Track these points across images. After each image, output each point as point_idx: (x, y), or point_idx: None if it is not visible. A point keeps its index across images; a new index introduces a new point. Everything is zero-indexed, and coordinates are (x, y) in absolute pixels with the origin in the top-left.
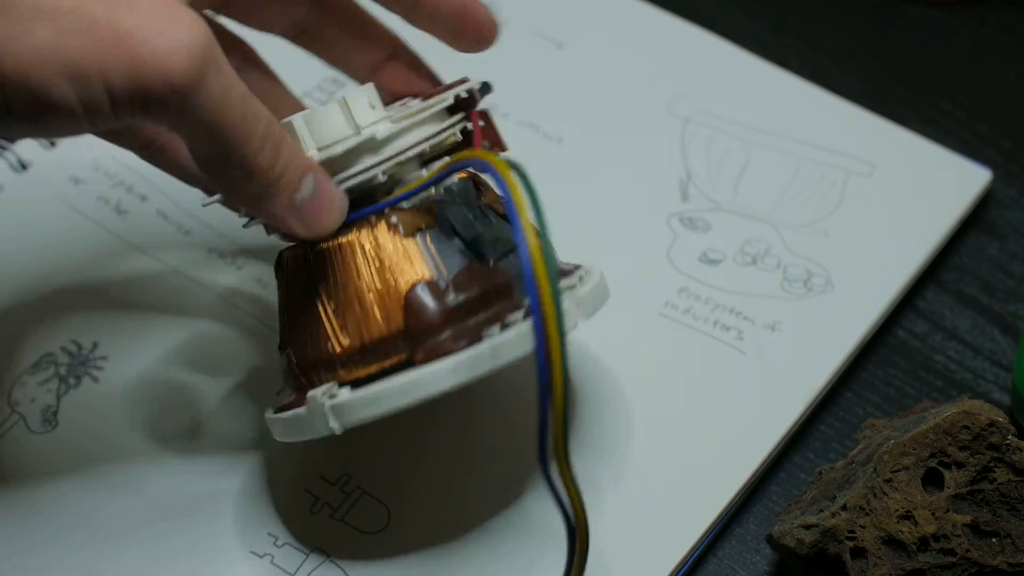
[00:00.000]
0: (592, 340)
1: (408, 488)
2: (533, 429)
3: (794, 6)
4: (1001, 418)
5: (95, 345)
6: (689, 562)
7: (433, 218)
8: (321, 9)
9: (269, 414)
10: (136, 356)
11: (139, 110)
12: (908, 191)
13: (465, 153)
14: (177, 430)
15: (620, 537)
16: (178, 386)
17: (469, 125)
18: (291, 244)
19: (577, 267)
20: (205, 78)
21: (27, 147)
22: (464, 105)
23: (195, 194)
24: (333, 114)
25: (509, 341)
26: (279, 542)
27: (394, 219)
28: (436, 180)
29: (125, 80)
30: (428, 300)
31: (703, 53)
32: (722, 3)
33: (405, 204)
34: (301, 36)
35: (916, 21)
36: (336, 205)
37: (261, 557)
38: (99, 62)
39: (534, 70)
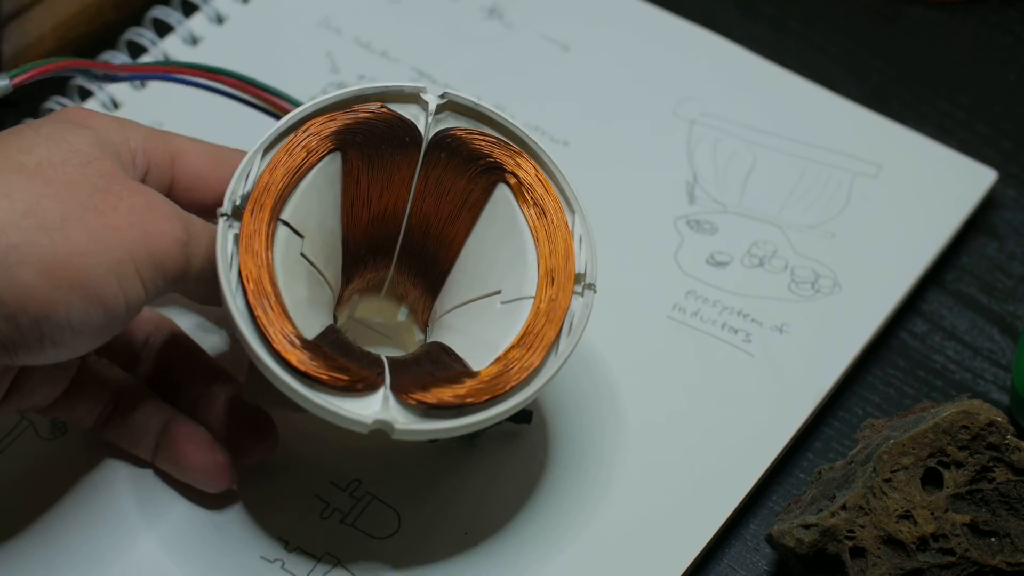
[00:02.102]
0: (601, 343)
1: (418, 493)
2: (540, 434)
3: (794, 6)
4: (1000, 418)
5: None
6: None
7: None
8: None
9: (324, 398)
10: None
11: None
12: (914, 192)
13: None
14: None
15: (629, 540)
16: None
17: None
18: None
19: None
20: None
21: None
22: None
23: None
24: None
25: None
26: (289, 547)
27: None
28: None
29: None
30: None
31: (709, 55)
32: (722, 3)
33: None
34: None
35: (916, 21)
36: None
37: (272, 562)
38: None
39: (540, 73)
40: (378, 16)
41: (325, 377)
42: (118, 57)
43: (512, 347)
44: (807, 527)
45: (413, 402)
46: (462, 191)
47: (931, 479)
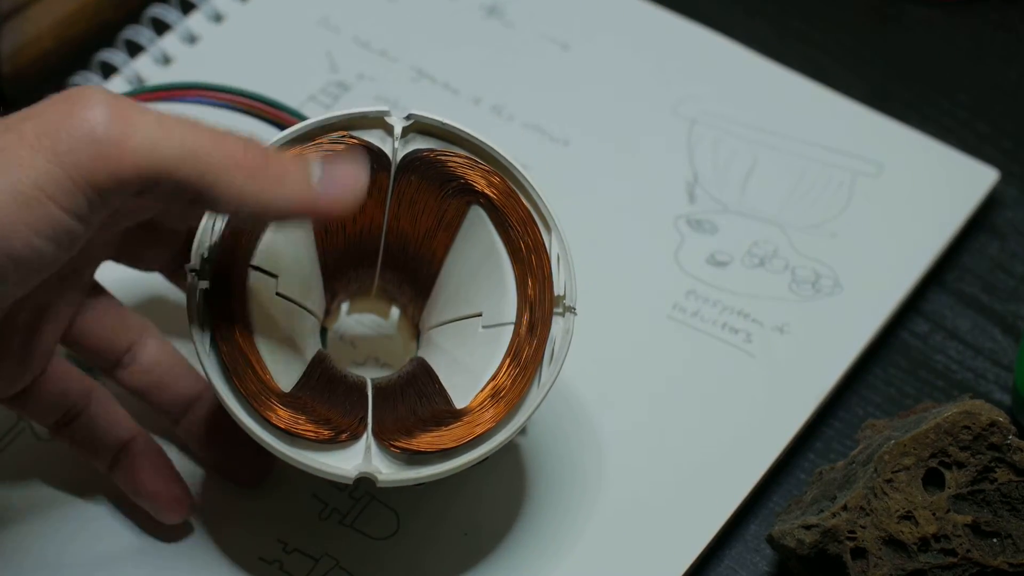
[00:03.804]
0: (600, 343)
1: (418, 494)
2: (540, 434)
3: (794, 5)
4: (1002, 418)
5: None
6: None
7: None
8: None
9: (300, 454)
10: None
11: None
12: (915, 191)
13: None
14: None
15: (629, 540)
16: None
17: None
18: None
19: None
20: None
21: None
22: None
23: None
24: None
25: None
26: (288, 548)
27: None
28: None
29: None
30: None
31: (709, 54)
32: (722, 2)
33: None
34: (175, 275)
35: (916, 20)
36: (352, 168)
37: (270, 563)
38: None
39: (540, 72)
40: (377, 15)
41: (307, 433)
42: (117, 56)
43: (493, 379)
44: (808, 528)
45: (397, 450)
46: (436, 211)
47: (932, 479)
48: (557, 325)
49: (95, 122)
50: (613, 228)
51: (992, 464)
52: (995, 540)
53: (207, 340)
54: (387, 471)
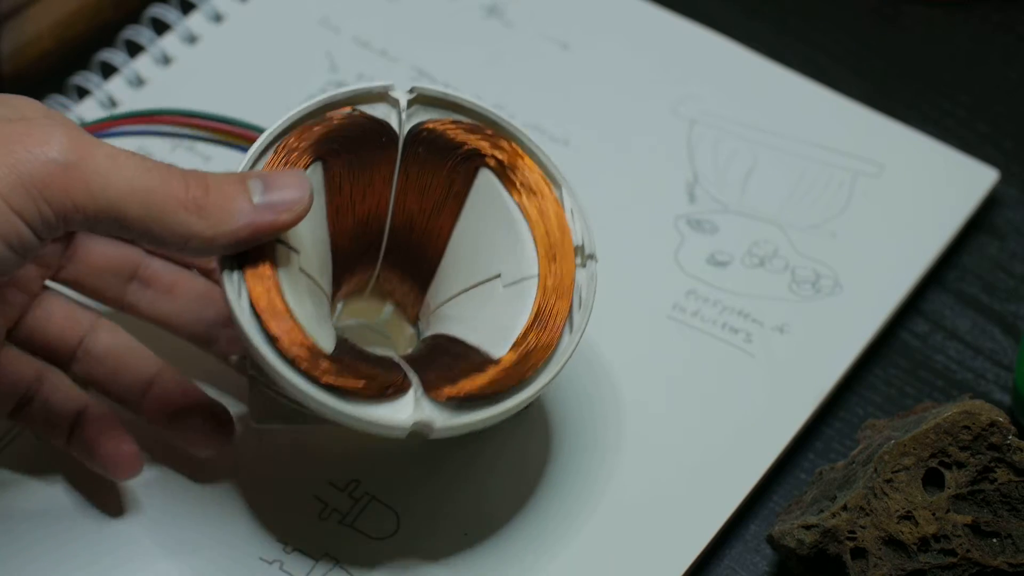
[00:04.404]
0: (600, 343)
1: (417, 494)
2: (541, 435)
3: (794, 5)
4: (1002, 418)
5: None
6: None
7: None
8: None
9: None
10: None
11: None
12: (916, 191)
13: None
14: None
15: (629, 540)
16: None
17: None
18: None
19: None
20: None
21: None
22: None
23: None
24: None
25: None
26: (288, 548)
27: None
28: None
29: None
30: None
31: (709, 54)
32: (722, 2)
33: None
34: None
35: (916, 20)
36: (296, 176)
37: (270, 563)
38: None
39: (540, 72)
40: (377, 15)
41: (357, 387)
42: (117, 56)
43: (528, 328)
44: (808, 528)
45: (444, 398)
46: (444, 182)
47: (932, 479)
48: (580, 274)
49: (53, 145)
50: (613, 228)
51: (992, 464)
52: (995, 540)
53: (247, 307)
54: (440, 419)
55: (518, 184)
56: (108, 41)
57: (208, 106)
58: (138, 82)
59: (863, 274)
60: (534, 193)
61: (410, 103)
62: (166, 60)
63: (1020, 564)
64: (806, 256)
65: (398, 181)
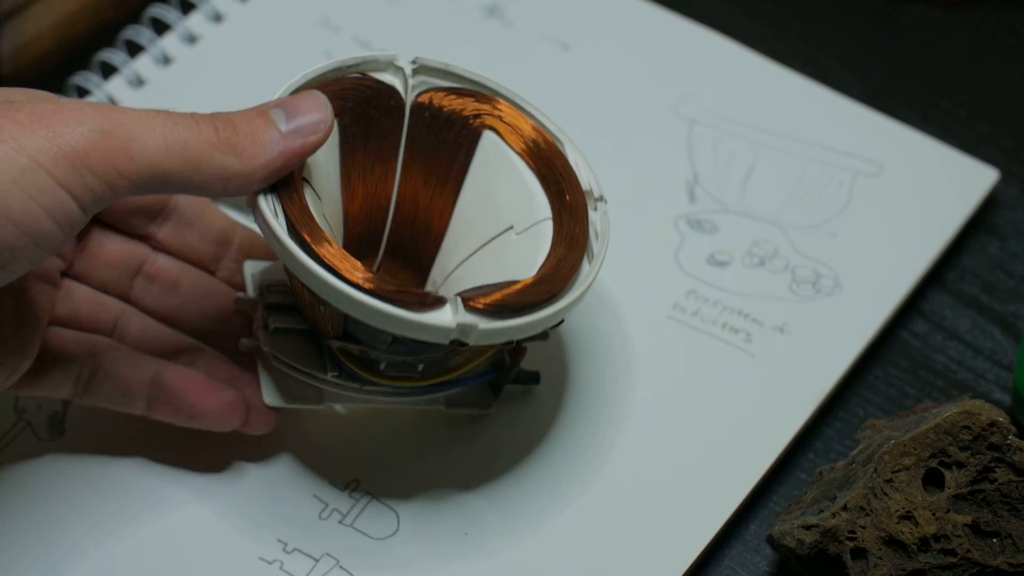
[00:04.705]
0: (600, 343)
1: (418, 494)
2: (541, 434)
3: (794, 5)
4: (1002, 418)
5: None
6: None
7: None
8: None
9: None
10: None
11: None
12: (916, 191)
13: None
14: (184, 436)
15: (629, 540)
16: None
17: None
18: None
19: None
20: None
21: None
22: None
23: None
24: None
25: None
26: (288, 548)
27: None
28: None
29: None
30: None
31: (709, 54)
32: (722, 2)
33: None
34: None
35: (916, 20)
36: (316, 98)
37: (270, 563)
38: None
39: (540, 72)
40: (377, 15)
41: (400, 294)
42: (117, 56)
43: (551, 252)
44: (808, 528)
45: (481, 306)
46: (450, 146)
47: (932, 479)
48: (593, 214)
49: (86, 117)
50: (613, 228)
51: (992, 464)
52: (995, 540)
53: (285, 228)
54: (482, 323)
55: (522, 141)
56: (108, 41)
57: (208, 107)
58: (138, 82)
59: (863, 274)
60: (538, 147)
61: (414, 72)
62: (166, 60)
63: (1020, 564)
64: (806, 256)
65: (404, 152)
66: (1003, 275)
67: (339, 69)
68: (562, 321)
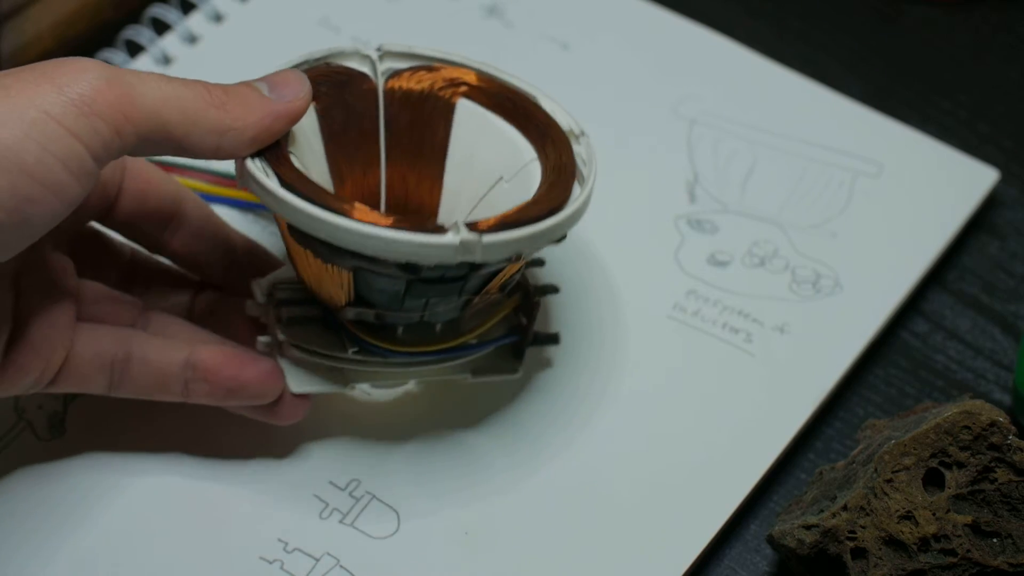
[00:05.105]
0: (602, 343)
1: (418, 493)
2: (541, 434)
3: (794, 5)
4: (1002, 418)
5: None
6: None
7: None
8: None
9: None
10: None
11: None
12: (916, 191)
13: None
14: (185, 436)
15: (630, 540)
16: None
17: None
18: None
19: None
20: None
21: None
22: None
23: None
24: None
25: None
26: (288, 548)
27: None
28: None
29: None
30: None
31: (709, 54)
32: (722, 2)
33: None
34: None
35: (916, 20)
36: (293, 72)
37: (271, 563)
38: None
39: (540, 72)
40: (377, 15)
41: (405, 221)
42: (116, 56)
43: (543, 181)
44: (808, 528)
45: (484, 227)
46: (427, 121)
47: (932, 479)
48: (576, 148)
49: (90, 68)
50: (613, 228)
51: (992, 464)
52: (995, 540)
53: (278, 184)
54: (487, 237)
55: (495, 100)
56: (108, 41)
57: None
58: None
59: (863, 274)
60: (513, 103)
61: (381, 58)
62: (166, 60)
63: (1020, 564)
64: (806, 256)
65: (385, 136)
66: (1003, 275)
67: (307, 61)
68: (564, 237)
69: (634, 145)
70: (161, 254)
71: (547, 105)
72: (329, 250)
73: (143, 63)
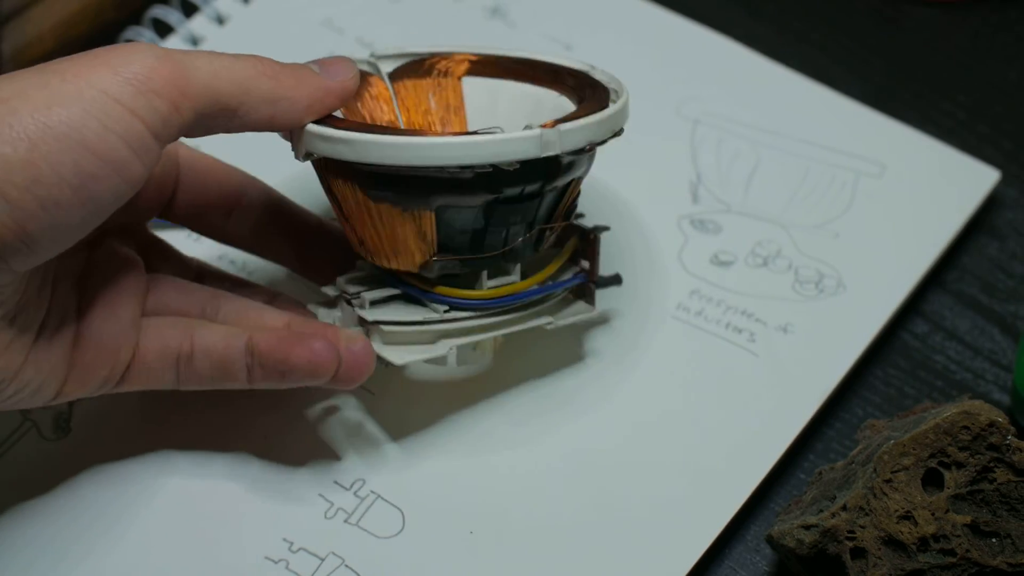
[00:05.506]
0: (604, 343)
1: (423, 492)
2: (544, 434)
3: (795, 6)
4: (1001, 418)
5: None
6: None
7: None
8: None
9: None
10: None
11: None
12: (918, 191)
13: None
14: (190, 436)
15: (631, 541)
16: (191, 391)
17: None
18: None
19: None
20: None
21: None
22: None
23: None
24: None
25: None
26: (294, 547)
27: None
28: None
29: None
30: None
31: (712, 55)
32: (723, 2)
33: None
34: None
35: (916, 21)
36: (343, 57)
37: (276, 562)
38: None
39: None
40: (380, 16)
41: (480, 130)
42: None
43: (576, 97)
44: (807, 528)
45: (551, 124)
46: (440, 107)
47: (932, 480)
48: (595, 73)
49: (141, 49)
50: (616, 228)
51: (991, 464)
52: (994, 540)
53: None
54: (563, 126)
55: (498, 67)
56: (110, 42)
57: None
58: None
59: (866, 274)
60: (516, 65)
61: (379, 60)
62: None
63: (1019, 564)
64: (809, 256)
65: (404, 123)
66: (1002, 275)
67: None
68: (622, 131)
69: (637, 145)
70: (230, 243)
71: (548, 58)
72: (410, 189)
73: None
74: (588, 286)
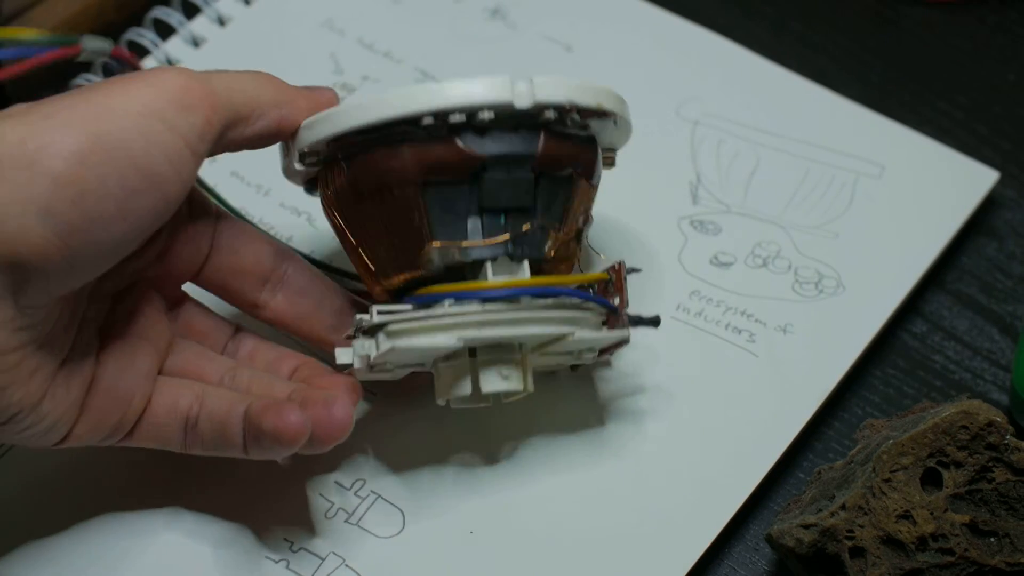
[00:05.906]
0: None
1: (423, 492)
2: (544, 434)
3: (793, 6)
4: (1000, 418)
5: None
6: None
7: None
8: None
9: None
10: None
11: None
12: (917, 192)
13: None
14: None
15: (631, 541)
16: None
17: None
18: None
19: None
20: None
21: None
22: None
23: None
24: None
25: None
26: (294, 547)
27: None
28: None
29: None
30: None
31: (712, 56)
32: (722, 3)
33: None
34: None
35: (915, 21)
36: (323, 87)
37: (276, 562)
38: None
39: (543, 73)
40: (381, 17)
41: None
42: None
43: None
44: (807, 527)
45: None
46: None
47: (930, 479)
48: None
49: (170, 70)
50: (616, 229)
51: (990, 464)
52: (993, 539)
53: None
54: (537, 78)
55: None
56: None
57: None
58: None
59: (866, 274)
60: None
61: None
62: (169, 63)
63: (1018, 563)
64: (809, 257)
65: None
66: (1001, 276)
67: None
68: (610, 113)
69: (637, 146)
70: (259, 317)
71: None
72: (391, 161)
73: (147, 66)
74: (620, 316)
